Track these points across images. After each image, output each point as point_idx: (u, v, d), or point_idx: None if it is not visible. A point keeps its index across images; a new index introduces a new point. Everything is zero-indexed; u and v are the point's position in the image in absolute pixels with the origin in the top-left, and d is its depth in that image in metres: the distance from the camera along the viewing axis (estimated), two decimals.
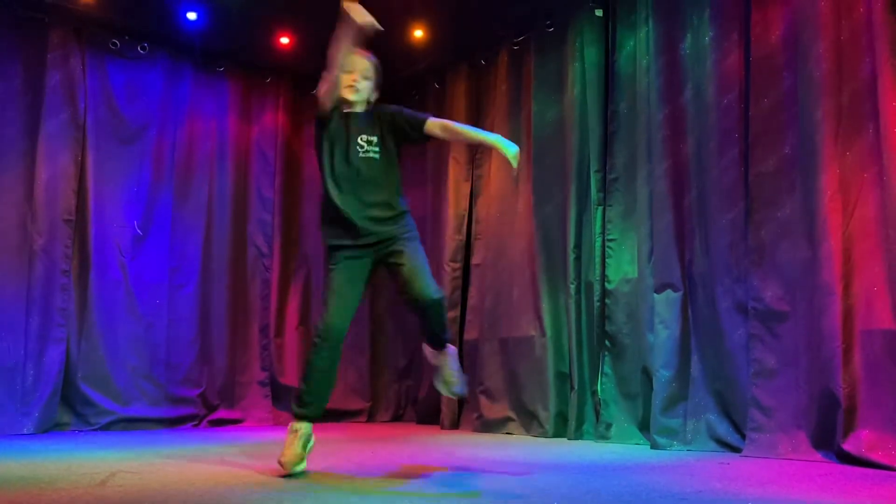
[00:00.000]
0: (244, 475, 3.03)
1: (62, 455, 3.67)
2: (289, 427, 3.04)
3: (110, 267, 5.27)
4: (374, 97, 3.21)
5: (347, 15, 2.95)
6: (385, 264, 3.11)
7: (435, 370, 3.30)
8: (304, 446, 3.01)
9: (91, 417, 5.04)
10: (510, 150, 3.01)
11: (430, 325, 3.14)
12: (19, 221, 4.97)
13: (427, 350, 3.30)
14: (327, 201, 3.08)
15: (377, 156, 3.09)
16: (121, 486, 2.70)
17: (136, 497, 2.49)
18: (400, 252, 3.05)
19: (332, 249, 3.09)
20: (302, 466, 2.99)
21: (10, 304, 4.87)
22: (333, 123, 3.10)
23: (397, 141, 3.16)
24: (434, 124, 3.14)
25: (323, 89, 3.08)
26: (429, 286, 3.04)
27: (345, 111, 3.13)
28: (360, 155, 3.06)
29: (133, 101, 5.49)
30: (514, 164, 3.03)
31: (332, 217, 3.08)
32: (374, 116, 3.15)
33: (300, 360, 5.98)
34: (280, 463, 2.97)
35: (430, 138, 3.19)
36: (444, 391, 3.30)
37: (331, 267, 3.07)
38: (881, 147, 3.43)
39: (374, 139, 3.10)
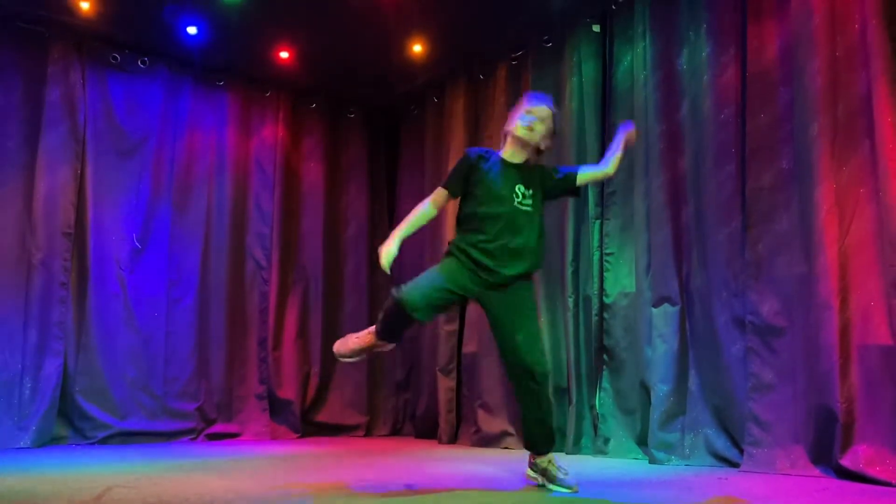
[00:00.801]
0: (241, 489, 3.02)
1: (59, 469, 3.66)
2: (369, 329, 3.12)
3: (109, 280, 5.27)
4: (545, 144, 3.23)
5: None
6: (496, 315, 3.08)
7: (546, 479, 3.12)
8: (365, 349, 3.09)
9: (88, 431, 5.02)
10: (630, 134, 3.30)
11: (537, 406, 3.05)
12: (18, 234, 4.98)
13: (529, 467, 3.18)
14: (470, 238, 3.08)
15: (530, 209, 3.12)
16: (117, 501, 2.69)
17: None
18: (521, 311, 3.07)
19: (462, 261, 3.06)
20: (351, 359, 3.12)
21: (8, 318, 4.87)
22: (489, 165, 3.13)
23: (546, 198, 3.24)
24: (583, 176, 3.30)
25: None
26: (544, 357, 3.09)
27: (505, 158, 3.19)
28: (516, 204, 3.09)
29: (133, 115, 5.51)
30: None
31: (472, 249, 3.06)
32: (532, 170, 3.20)
33: (298, 374, 5.96)
34: (341, 342, 3.12)
35: (579, 189, 3.35)
36: (564, 490, 3.06)
37: (450, 259, 3.08)
38: (876, 162, 3.44)
39: (529, 192, 3.13)
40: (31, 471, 3.59)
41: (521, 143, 3.17)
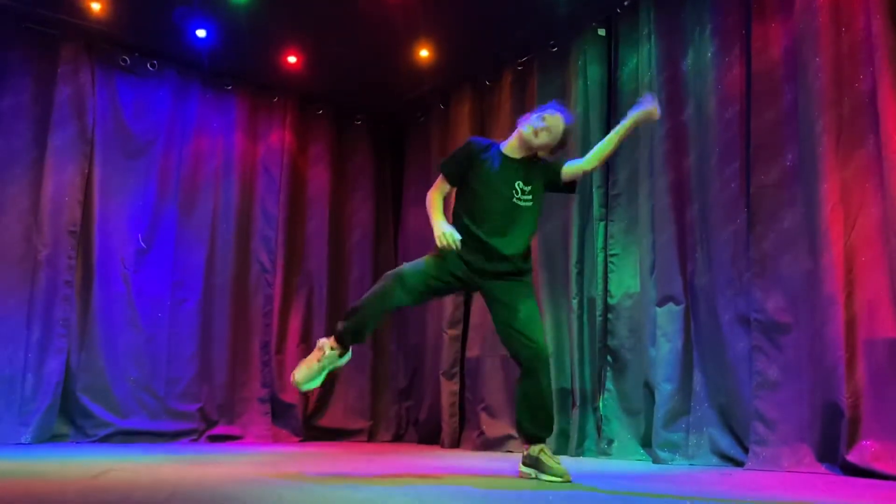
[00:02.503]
0: (239, 475, 2.99)
1: (57, 458, 3.64)
2: (318, 343, 3.07)
3: (113, 279, 5.28)
4: (544, 153, 3.18)
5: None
6: (495, 297, 3.10)
7: (538, 469, 3.05)
8: (322, 369, 3.03)
9: (89, 429, 5.00)
10: (648, 111, 3.07)
11: (538, 388, 3.01)
12: (24, 232, 5.00)
13: (522, 463, 3.11)
14: (466, 229, 3.08)
15: (529, 204, 3.12)
16: (113, 479, 2.67)
17: (126, 488, 2.46)
18: (519, 294, 3.07)
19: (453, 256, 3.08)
20: (314, 384, 3.03)
21: (12, 314, 4.87)
22: (490, 157, 3.12)
23: (546, 191, 3.21)
24: (571, 168, 3.16)
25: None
26: (544, 337, 3.06)
27: (506, 153, 3.16)
28: (514, 200, 3.09)
29: (141, 117, 5.55)
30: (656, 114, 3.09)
31: (466, 241, 3.06)
32: (534, 167, 3.16)
33: None
34: (293, 377, 3.03)
35: (574, 183, 3.23)
36: (556, 479, 2.99)
37: (436, 255, 3.09)
38: (881, 157, 3.44)
39: (529, 188, 3.12)
40: (30, 458, 3.57)
41: (522, 142, 3.16)
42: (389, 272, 3.05)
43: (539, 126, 3.12)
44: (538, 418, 3.06)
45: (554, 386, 4.81)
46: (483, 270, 3.08)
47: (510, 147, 3.20)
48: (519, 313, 3.04)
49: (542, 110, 3.17)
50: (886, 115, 3.43)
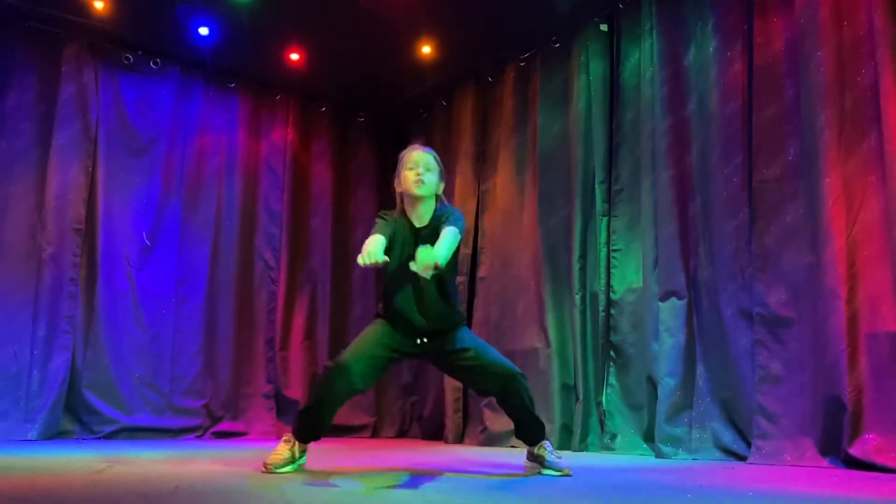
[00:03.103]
0: (243, 470, 3.01)
1: (63, 454, 3.66)
2: (284, 436, 3.03)
3: (118, 277, 5.30)
4: (440, 189, 3.06)
5: None
6: (445, 363, 3.09)
7: (540, 465, 3.12)
8: (294, 457, 2.97)
9: (95, 426, 5.02)
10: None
11: (520, 405, 3.02)
12: (29, 230, 5.02)
13: (526, 458, 3.18)
14: (389, 298, 3.01)
15: (439, 271, 2.90)
16: (117, 474, 2.69)
17: (131, 484, 2.48)
18: (461, 348, 3.01)
19: (389, 324, 3.02)
20: (285, 469, 2.93)
21: (17, 312, 4.90)
22: (401, 227, 3.00)
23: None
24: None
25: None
26: (506, 361, 3.03)
27: (411, 222, 3.01)
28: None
29: (144, 115, 5.56)
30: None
31: (393, 312, 3.01)
32: (437, 229, 2.92)
33: (305, 374, 5.97)
34: (264, 464, 2.93)
35: None
36: (558, 474, 3.05)
37: (374, 323, 3.05)
38: (883, 152, 3.43)
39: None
40: (36, 454, 3.59)
41: (419, 200, 2.99)
42: (331, 364, 2.92)
43: (419, 173, 2.96)
44: (529, 428, 3.12)
45: (557, 381, 4.86)
46: (416, 342, 3.01)
47: (413, 215, 3.02)
48: (467, 353, 2.99)
49: (409, 156, 3.01)
50: (888, 109, 3.42)
